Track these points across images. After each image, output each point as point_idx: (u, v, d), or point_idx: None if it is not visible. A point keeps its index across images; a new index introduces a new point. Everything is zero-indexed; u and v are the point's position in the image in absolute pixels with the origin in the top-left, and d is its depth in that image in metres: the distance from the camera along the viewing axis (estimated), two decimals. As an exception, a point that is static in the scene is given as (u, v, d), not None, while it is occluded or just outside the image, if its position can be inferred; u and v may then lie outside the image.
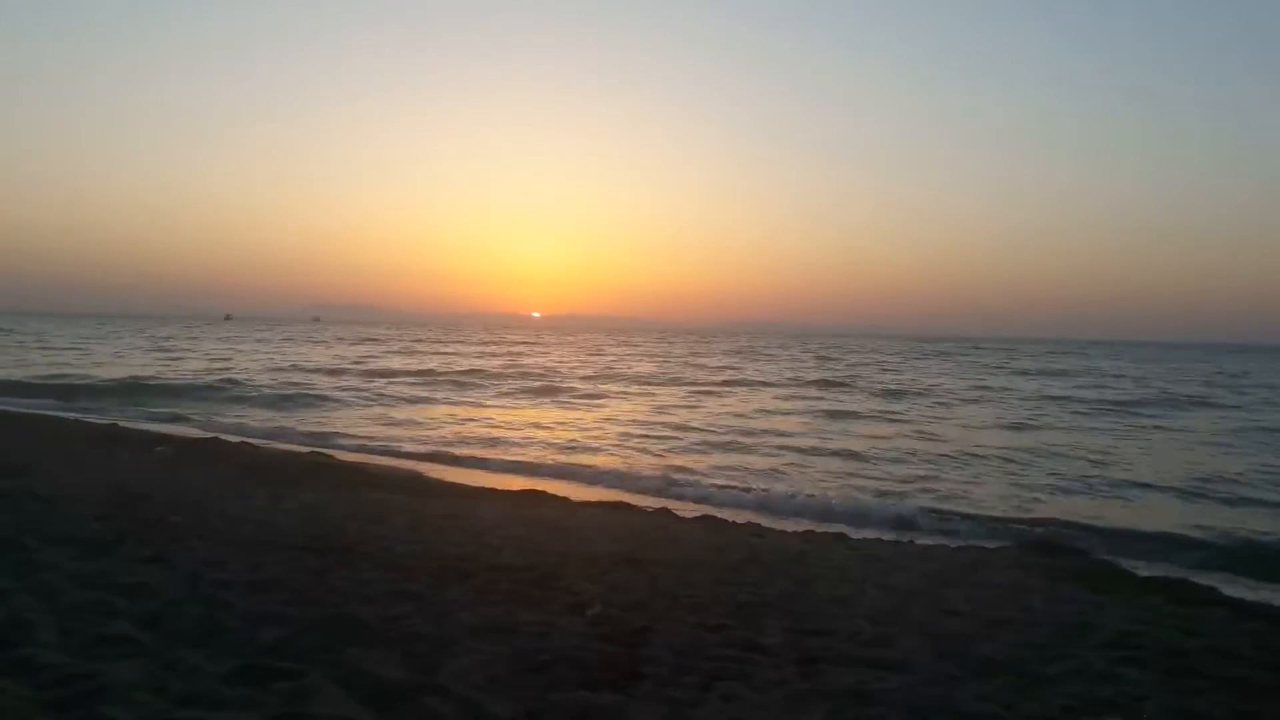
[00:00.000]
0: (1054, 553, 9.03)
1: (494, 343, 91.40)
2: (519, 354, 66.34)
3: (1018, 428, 25.06)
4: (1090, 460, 18.69)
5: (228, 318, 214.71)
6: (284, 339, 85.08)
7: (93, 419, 20.27)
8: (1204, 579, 8.59)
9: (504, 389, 34.57)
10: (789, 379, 42.96)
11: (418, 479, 13.59)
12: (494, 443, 19.38)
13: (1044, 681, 4.91)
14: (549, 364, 53.80)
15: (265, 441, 17.37)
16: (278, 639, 4.59)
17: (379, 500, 10.43)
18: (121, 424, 18.87)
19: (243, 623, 4.82)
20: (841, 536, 10.13)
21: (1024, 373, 57.29)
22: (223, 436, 17.37)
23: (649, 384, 38.77)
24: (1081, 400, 34.66)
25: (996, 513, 12.79)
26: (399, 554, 7.06)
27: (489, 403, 29.70)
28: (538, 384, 36.54)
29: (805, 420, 25.98)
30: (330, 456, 15.47)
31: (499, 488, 12.90)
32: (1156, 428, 25.56)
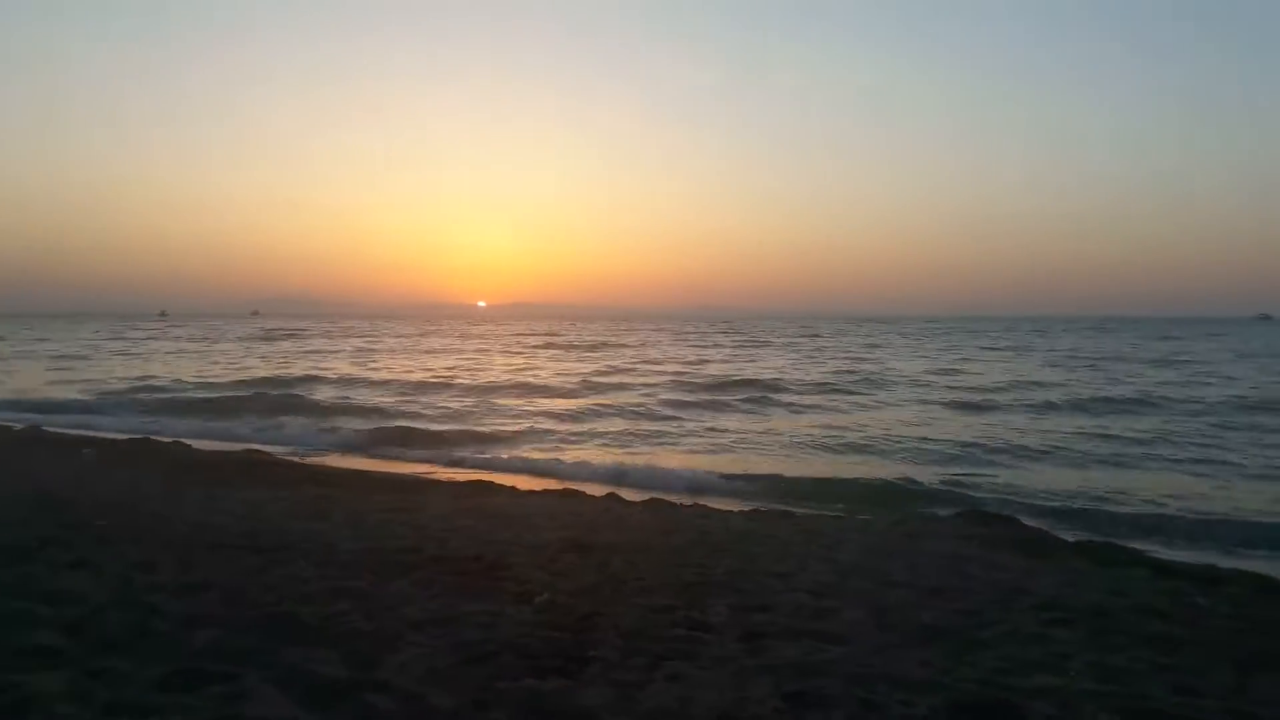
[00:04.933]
0: (990, 522, 9.26)
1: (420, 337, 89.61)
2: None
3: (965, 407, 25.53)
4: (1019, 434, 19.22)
5: (162, 314, 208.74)
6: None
7: (9, 422, 19.52)
8: (1127, 543, 8.90)
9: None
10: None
11: (360, 474, 13.42)
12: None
13: (979, 645, 5.05)
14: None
15: (199, 440, 16.97)
16: (211, 641, 4.50)
17: (319, 496, 10.27)
18: (44, 426, 18.25)
19: (174, 626, 4.71)
20: (787, 513, 10.25)
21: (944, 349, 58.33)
22: (155, 437, 16.93)
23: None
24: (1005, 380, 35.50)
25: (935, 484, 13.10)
26: (339, 550, 6.96)
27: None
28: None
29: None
30: (267, 454, 15.18)
31: (444, 479, 12.79)
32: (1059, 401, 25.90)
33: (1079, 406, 24.06)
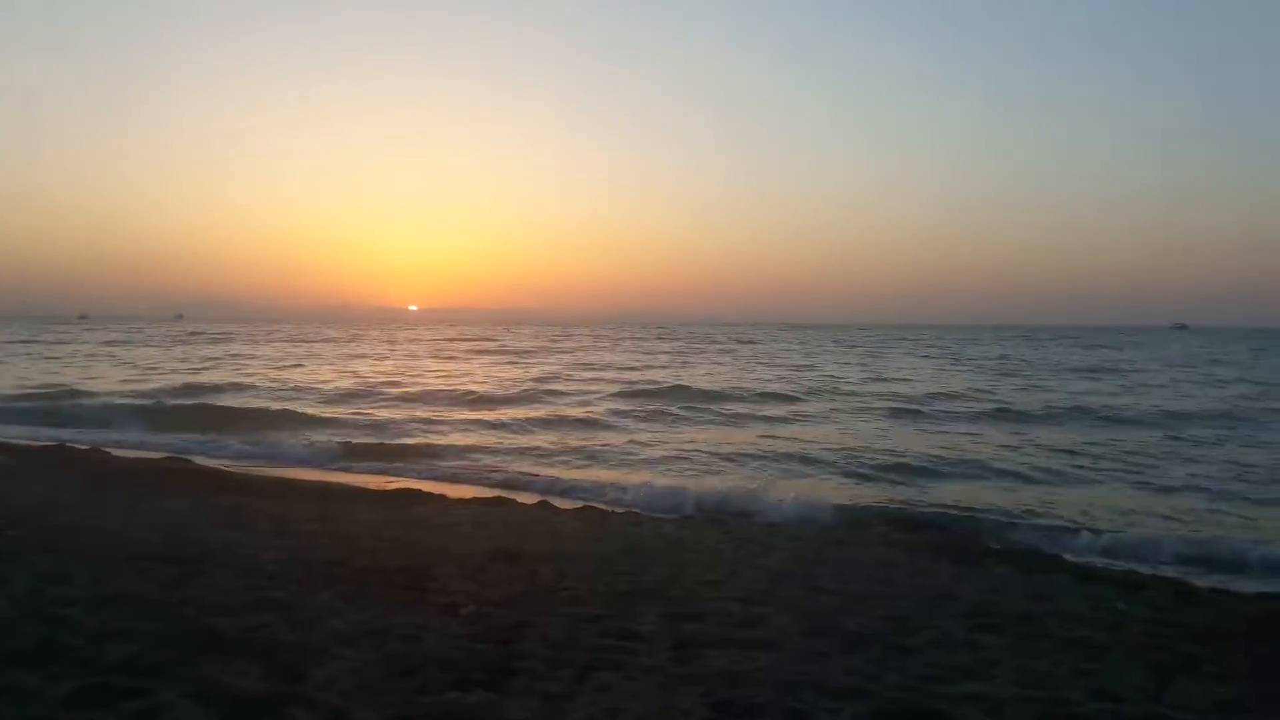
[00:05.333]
0: (917, 528, 9.43)
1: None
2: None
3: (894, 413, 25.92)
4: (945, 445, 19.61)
5: (82, 317, 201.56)
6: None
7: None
8: (1050, 549, 9.14)
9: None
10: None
11: (286, 483, 13.09)
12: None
13: (906, 652, 5.11)
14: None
15: (119, 448, 16.40)
16: (124, 656, 4.33)
17: (242, 505, 10.00)
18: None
19: (86, 640, 4.53)
20: (718, 521, 10.30)
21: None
22: (71, 443, 16.30)
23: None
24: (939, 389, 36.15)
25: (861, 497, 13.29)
26: (262, 561, 6.78)
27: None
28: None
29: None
30: (190, 462, 14.73)
31: (372, 488, 12.56)
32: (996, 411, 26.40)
33: (1008, 416, 24.53)
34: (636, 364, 48.67)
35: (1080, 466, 16.30)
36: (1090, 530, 10.88)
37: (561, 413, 24.60)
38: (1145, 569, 8.65)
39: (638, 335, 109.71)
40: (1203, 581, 8.10)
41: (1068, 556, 8.60)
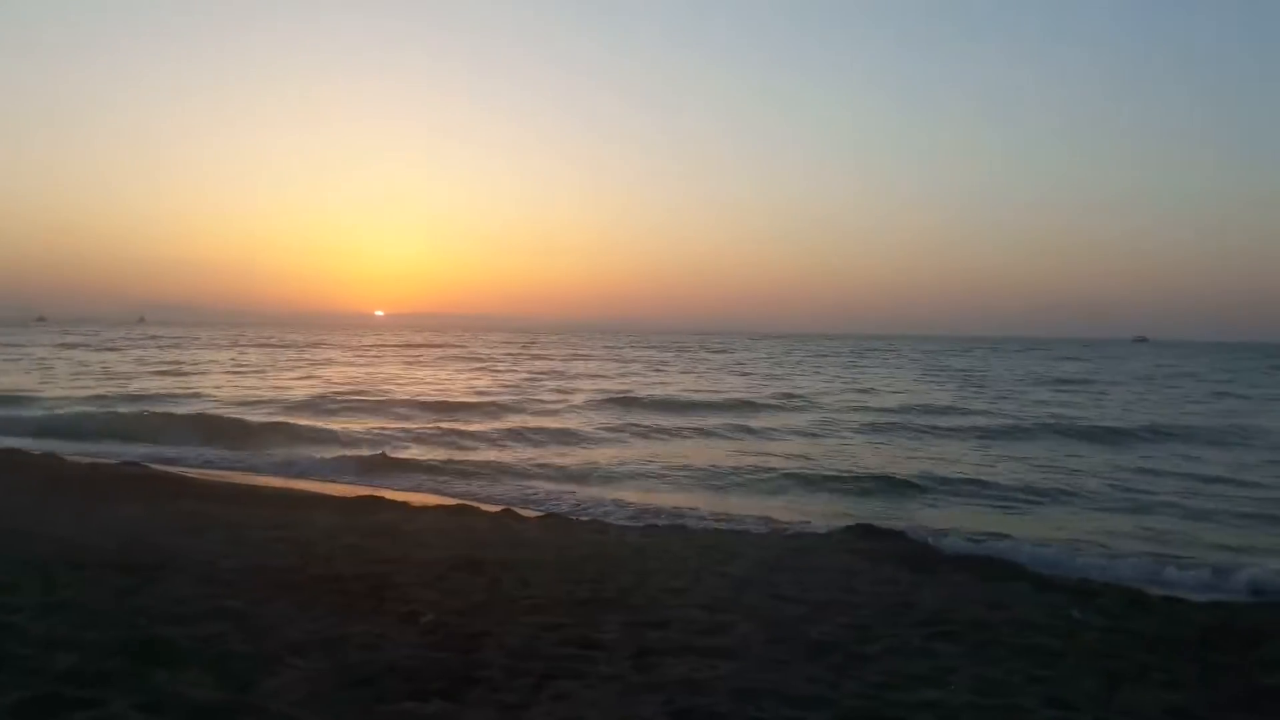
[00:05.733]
0: (878, 536, 9.48)
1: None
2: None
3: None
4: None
5: (40, 319, 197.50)
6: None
7: None
8: (1008, 557, 9.24)
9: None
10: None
11: (244, 489, 12.94)
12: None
13: (866, 660, 5.15)
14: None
15: (73, 454, 16.08)
16: (73, 665, 4.25)
17: (198, 512, 9.85)
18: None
19: (34, 649, 4.44)
20: (682, 528, 10.30)
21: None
22: (23, 447, 15.97)
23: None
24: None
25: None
26: (218, 568, 6.68)
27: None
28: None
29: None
30: (145, 467, 14.49)
31: (333, 495, 12.43)
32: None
33: (977, 428, 24.47)
34: (606, 372, 48.67)
35: (1049, 479, 16.46)
36: (1048, 539, 11.04)
37: (526, 421, 24.49)
38: (1100, 577, 8.76)
39: (608, 343, 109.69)
40: (1156, 590, 8.22)
41: (1025, 564, 8.69)
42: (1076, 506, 13.80)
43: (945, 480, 15.75)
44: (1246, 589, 8.92)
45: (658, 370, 52.01)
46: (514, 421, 24.61)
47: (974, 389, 40.93)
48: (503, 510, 11.24)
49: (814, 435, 23.03)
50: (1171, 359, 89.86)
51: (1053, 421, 25.92)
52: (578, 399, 31.64)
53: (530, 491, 14.11)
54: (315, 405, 27.65)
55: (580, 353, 77.77)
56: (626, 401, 30.43)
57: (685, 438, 22.35)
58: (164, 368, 43.00)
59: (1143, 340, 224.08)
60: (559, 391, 34.87)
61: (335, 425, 22.61)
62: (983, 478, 16.07)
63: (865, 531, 9.72)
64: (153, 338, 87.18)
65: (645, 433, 22.78)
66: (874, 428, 24.58)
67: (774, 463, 17.63)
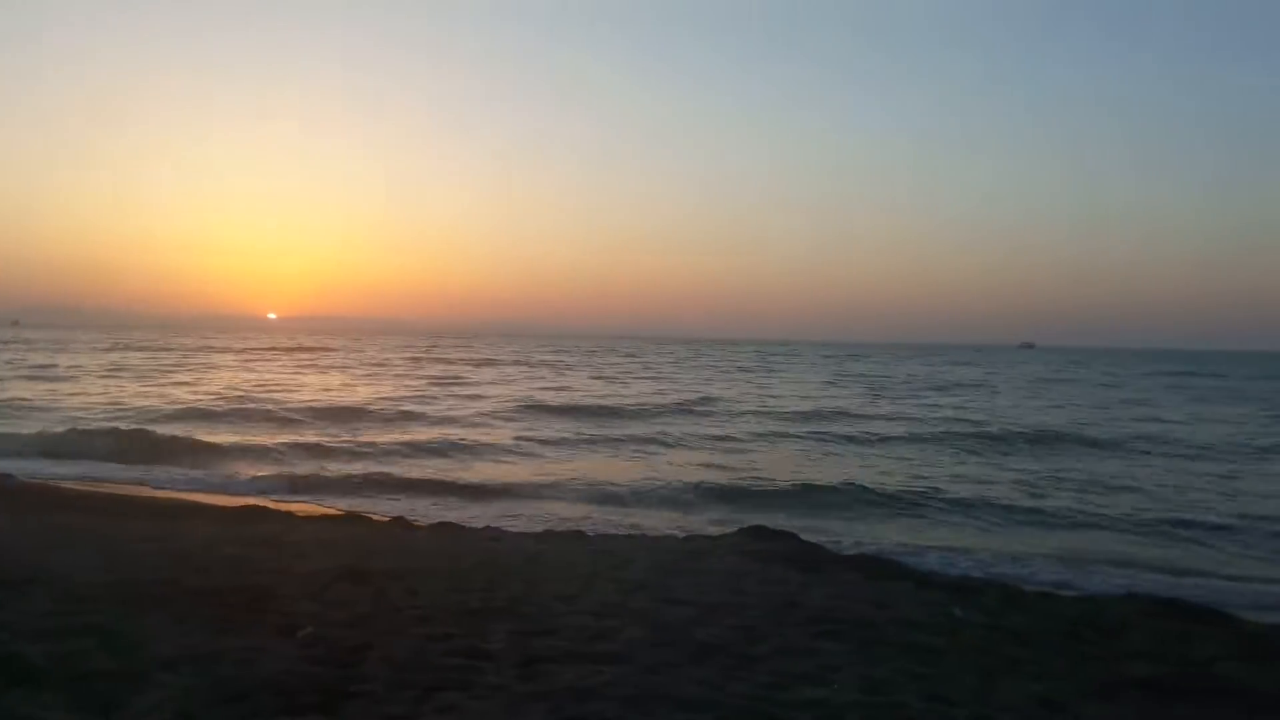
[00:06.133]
0: (770, 538, 9.61)
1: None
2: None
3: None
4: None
5: None
6: None
7: None
8: (893, 556, 9.51)
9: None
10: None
11: (118, 499, 12.31)
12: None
13: (752, 661, 5.20)
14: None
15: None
16: (-86, 691, 3.96)
17: (67, 524, 9.34)
18: None
19: None
20: (579, 534, 10.24)
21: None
22: None
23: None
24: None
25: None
26: (85, 583, 6.33)
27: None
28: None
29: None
30: (11, 478, 13.68)
31: (213, 505, 11.95)
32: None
33: (870, 435, 24.92)
34: (509, 377, 48.20)
35: (940, 480, 16.94)
36: (935, 540, 11.39)
37: (421, 429, 24.02)
38: (980, 575, 9.09)
39: (514, 347, 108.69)
40: (1031, 586, 8.57)
41: (910, 564, 8.94)
42: (964, 507, 14.27)
43: (843, 484, 16.09)
44: (1117, 586, 9.36)
45: (562, 375, 51.76)
46: (409, 428, 24.12)
47: (874, 393, 41.94)
48: (393, 519, 11.00)
49: (718, 440, 23.19)
50: (1058, 364, 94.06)
51: (948, 424, 26.79)
52: (478, 405, 31.20)
53: (424, 499, 13.84)
54: (194, 414, 26.33)
55: (483, 356, 76.85)
56: (530, 408, 30.16)
57: (589, 444, 22.26)
58: (31, 373, 40.54)
59: (1029, 346, 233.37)
60: (458, 397, 34.35)
61: (214, 436, 21.59)
62: (879, 481, 16.47)
63: (757, 533, 9.85)
64: (26, 342, 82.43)
65: (548, 439, 22.61)
66: (778, 436, 24.73)
67: (676, 468, 17.73)
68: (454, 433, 23.30)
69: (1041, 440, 23.81)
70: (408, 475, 16.39)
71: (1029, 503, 14.73)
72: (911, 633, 6.06)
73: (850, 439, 24.06)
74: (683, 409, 31.45)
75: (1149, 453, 22.18)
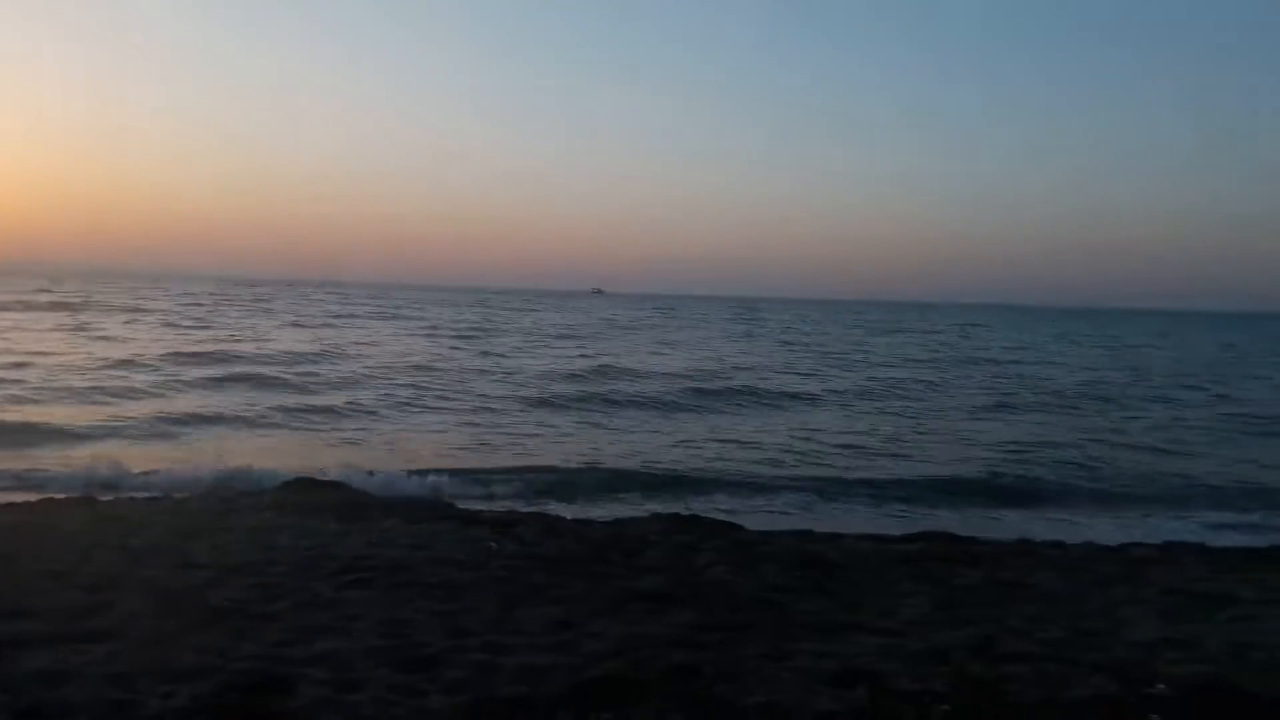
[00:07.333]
0: (314, 489, 9.20)
1: None
2: None
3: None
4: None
5: None
6: None
7: None
8: (440, 493, 9.58)
9: None
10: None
11: None
12: None
13: (267, 620, 4.94)
14: None
15: None
16: None
17: None
18: None
19: None
20: (88, 500, 9.00)
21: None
22: None
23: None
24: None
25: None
26: None
27: None
28: None
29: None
30: None
31: None
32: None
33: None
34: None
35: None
36: (488, 470, 11.53)
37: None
38: (524, 507, 9.48)
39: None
40: (569, 513, 9.10)
41: (457, 503, 9.07)
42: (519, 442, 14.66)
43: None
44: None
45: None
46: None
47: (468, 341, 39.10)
48: None
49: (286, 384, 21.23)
50: (624, 308, 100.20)
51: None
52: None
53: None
54: None
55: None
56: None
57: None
58: None
59: (600, 292, 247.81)
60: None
61: None
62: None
63: (300, 485, 9.37)
64: None
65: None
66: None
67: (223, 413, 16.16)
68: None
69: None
70: None
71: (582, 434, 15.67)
72: (444, 570, 6.13)
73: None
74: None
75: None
